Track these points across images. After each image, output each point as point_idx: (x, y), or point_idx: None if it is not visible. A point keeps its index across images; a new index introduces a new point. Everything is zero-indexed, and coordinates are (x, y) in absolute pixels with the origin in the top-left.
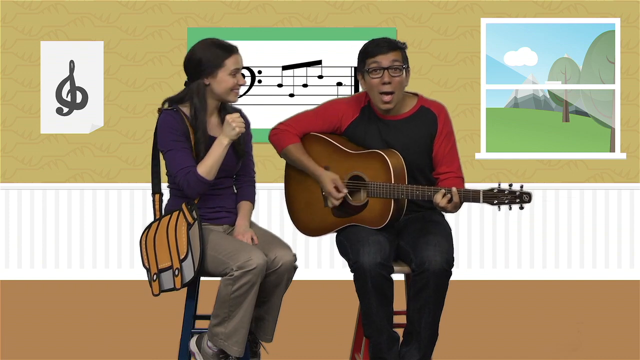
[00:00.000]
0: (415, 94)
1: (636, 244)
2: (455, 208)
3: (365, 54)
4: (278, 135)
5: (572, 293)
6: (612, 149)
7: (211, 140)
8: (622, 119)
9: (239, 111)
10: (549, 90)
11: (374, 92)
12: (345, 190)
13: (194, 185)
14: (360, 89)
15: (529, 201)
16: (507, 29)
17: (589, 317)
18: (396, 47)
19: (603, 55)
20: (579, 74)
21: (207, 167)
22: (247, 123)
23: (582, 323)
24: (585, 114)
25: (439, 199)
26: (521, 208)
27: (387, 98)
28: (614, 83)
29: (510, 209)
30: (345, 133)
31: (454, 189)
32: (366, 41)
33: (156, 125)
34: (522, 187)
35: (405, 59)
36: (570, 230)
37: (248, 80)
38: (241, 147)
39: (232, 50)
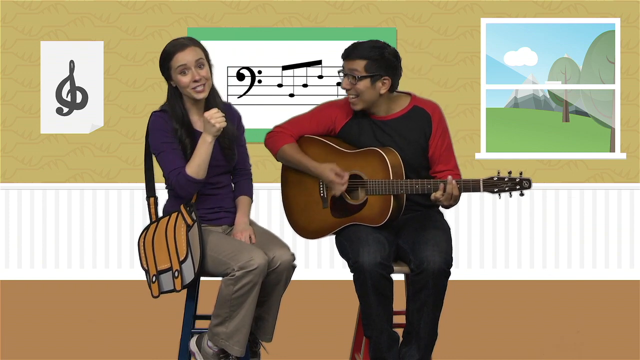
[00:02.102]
0: (409, 94)
1: (636, 244)
2: (449, 200)
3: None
4: (273, 138)
5: (572, 293)
6: (612, 149)
7: (197, 135)
8: (622, 119)
9: (228, 105)
10: (549, 90)
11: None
12: (347, 174)
13: (185, 186)
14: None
15: (529, 187)
16: (507, 29)
17: (589, 317)
18: (357, 54)
19: (603, 55)
20: (579, 74)
21: (195, 166)
22: (237, 117)
23: (579, 332)
24: (585, 114)
25: (439, 195)
26: (521, 194)
27: (351, 99)
28: (614, 83)
29: (510, 195)
30: (340, 134)
31: (450, 177)
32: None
33: (147, 129)
34: (521, 173)
35: (372, 68)
36: (570, 230)
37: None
38: (226, 141)
39: (176, 49)
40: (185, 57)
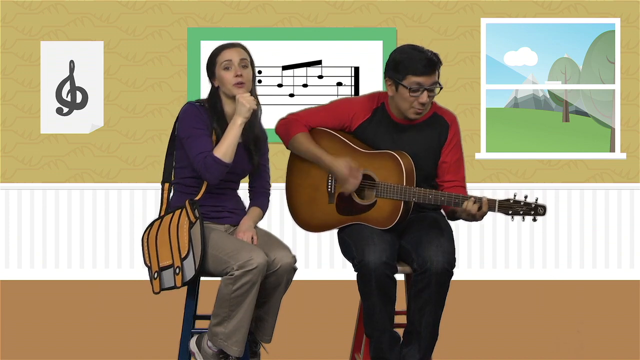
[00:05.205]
0: None
1: (636, 244)
2: (482, 217)
3: (407, 69)
4: (286, 125)
5: (572, 293)
6: (612, 149)
7: None
8: (622, 119)
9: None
10: (549, 90)
11: (406, 104)
12: (361, 173)
13: (212, 168)
14: (383, 90)
15: (544, 214)
16: (507, 29)
17: (589, 317)
18: (438, 67)
19: (603, 55)
20: (579, 74)
21: (223, 148)
22: (264, 136)
23: (579, 332)
24: (585, 114)
25: (471, 206)
26: (534, 220)
27: (420, 111)
28: (614, 83)
29: (523, 220)
30: (355, 132)
31: (484, 198)
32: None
33: (178, 115)
34: (537, 199)
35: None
36: (570, 230)
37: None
38: (253, 147)
39: (224, 47)
40: (231, 54)
